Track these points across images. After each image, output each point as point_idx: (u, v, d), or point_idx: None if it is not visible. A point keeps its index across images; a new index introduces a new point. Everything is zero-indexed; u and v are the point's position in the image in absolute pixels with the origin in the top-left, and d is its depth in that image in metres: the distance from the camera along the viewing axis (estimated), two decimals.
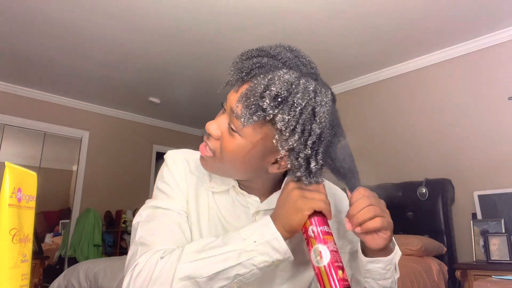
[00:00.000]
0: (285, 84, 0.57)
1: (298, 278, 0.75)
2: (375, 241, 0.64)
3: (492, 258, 2.48)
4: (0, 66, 3.66)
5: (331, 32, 2.96)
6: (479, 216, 2.74)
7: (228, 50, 3.30)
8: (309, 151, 0.59)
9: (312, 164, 0.60)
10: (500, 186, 2.74)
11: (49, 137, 4.47)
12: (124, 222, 4.80)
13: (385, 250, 0.67)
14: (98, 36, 3.08)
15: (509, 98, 2.81)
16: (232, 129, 0.63)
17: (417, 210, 2.95)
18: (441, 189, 2.91)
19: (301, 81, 0.59)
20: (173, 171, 0.75)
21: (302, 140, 0.58)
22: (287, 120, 0.57)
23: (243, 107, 0.59)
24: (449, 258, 2.77)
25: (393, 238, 0.71)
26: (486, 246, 2.53)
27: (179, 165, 0.76)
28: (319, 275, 0.57)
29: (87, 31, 3.00)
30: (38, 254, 3.67)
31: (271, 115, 0.57)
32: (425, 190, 2.93)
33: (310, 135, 0.58)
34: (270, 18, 2.79)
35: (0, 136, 4.09)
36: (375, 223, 0.62)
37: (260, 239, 0.60)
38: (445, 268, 2.66)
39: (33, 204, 0.46)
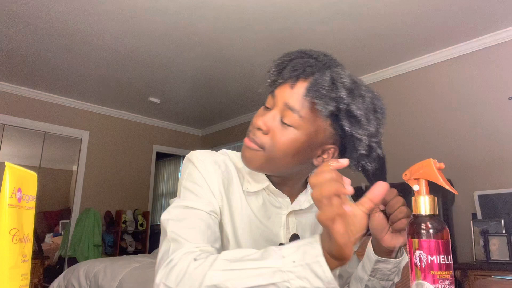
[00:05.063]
0: (350, 78, 0.64)
1: None
2: (393, 241, 0.66)
3: (492, 258, 2.47)
4: (0, 66, 3.66)
5: (331, 31, 2.96)
6: (479, 216, 2.73)
7: (228, 50, 3.30)
8: (380, 138, 0.65)
9: (377, 152, 0.66)
10: (500, 186, 2.74)
11: (49, 137, 4.47)
12: (124, 222, 4.80)
13: (394, 252, 0.70)
14: (98, 36, 3.08)
15: (509, 98, 2.80)
16: (285, 123, 0.67)
17: None
18: (441, 189, 2.90)
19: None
20: (202, 171, 0.74)
21: (376, 126, 0.64)
22: (362, 108, 0.62)
23: (315, 98, 0.63)
24: None
25: None
26: (486, 246, 2.52)
27: (209, 166, 0.74)
28: None
29: (87, 31, 3.00)
30: (38, 254, 3.68)
31: (347, 104, 0.62)
32: None
33: (378, 123, 0.65)
34: (270, 18, 2.79)
35: (0, 136, 4.09)
36: (403, 224, 0.64)
37: (300, 260, 0.51)
38: None
39: (33, 204, 0.46)
